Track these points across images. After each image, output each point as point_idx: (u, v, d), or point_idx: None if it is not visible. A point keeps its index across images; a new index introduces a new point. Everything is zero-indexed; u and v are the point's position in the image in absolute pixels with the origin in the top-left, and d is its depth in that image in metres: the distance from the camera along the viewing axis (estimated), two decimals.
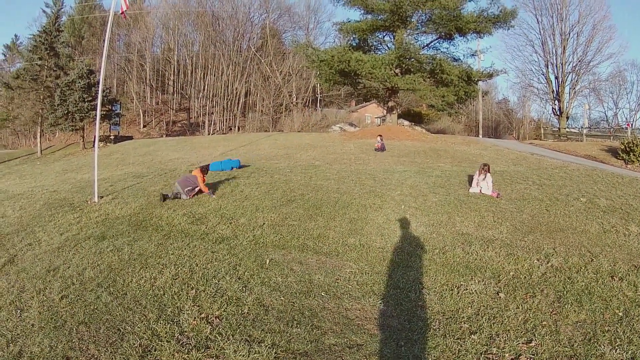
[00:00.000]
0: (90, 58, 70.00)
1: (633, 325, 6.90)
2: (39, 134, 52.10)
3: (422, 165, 22.52)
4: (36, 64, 48.79)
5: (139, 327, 6.79)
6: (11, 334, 6.72)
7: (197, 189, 16.07)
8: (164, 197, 15.52)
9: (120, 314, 7.21)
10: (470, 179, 17.39)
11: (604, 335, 6.59)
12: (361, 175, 19.13)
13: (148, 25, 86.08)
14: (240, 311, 7.32)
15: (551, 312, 7.34)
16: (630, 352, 6.19)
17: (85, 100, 44.97)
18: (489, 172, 16.30)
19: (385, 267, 9.54)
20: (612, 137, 51.44)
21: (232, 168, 21.34)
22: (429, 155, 26.03)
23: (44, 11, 67.17)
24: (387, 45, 41.85)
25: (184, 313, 7.21)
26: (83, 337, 6.58)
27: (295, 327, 6.87)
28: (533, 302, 7.69)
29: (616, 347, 6.28)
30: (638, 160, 27.95)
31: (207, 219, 13.09)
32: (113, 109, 50.92)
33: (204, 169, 16.99)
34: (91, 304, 7.58)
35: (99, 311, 7.32)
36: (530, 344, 6.41)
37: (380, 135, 29.53)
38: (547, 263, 9.55)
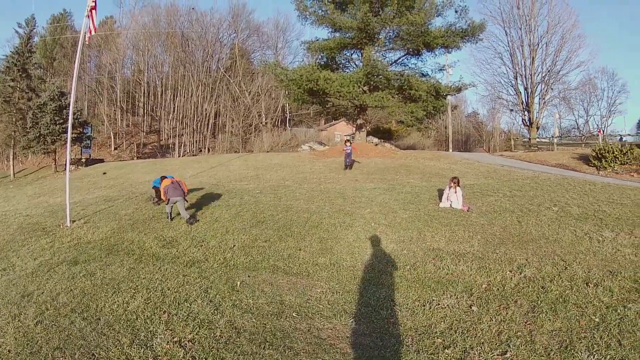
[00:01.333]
0: (62, 80, 69.34)
1: (610, 330, 6.93)
2: (11, 157, 51.22)
3: (391, 182, 22.45)
4: (9, 85, 48.19)
5: (113, 352, 6.85)
6: None
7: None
8: (172, 218, 16.00)
9: (94, 339, 7.30)
10: (440, 194, 17.40)
11: (581, 342, 6.64)
12: (331, 194, 19.10)
13: (118, 46, 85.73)
14: (212, 334, 7.37)
15: (526, 323, 7.32)
16: (608, 357, 6.22)
17: (57, 122, 44.26)
18: (458, 186, 16.25)
19: (356, 285, 9.56)
20: (583, 145, 51.83)
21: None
22: (399, 171, 25.98)
23: (16, 31, 66.31)
24: (355, 63, 41.71)
25: (157, 337, 7.23)
26: None
27: (268, 348, 6.89)
28: (507, 313, 7.68)
29: (594, 353, 6.31)
30: (610, 166, 28.18)
31: (178, 242, 13.14)
32: (84, 131, 50.29)
33: (164, 177, 17.63)
34: (66, 329, 7.63)
35: (73, 336, 7.36)
36: (506, 355, 6.42)
37: (349, 141, 29.10)
38: (520, 274, 9.56)
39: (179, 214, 15.92)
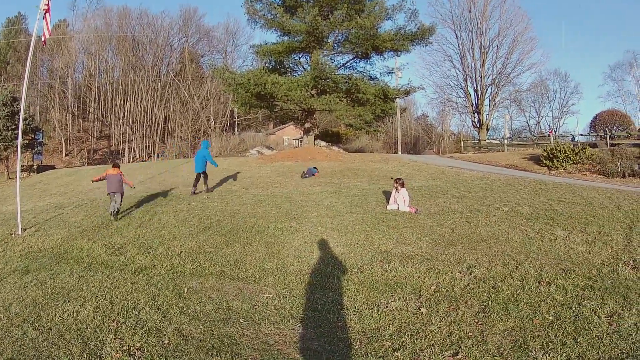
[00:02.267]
0: (15, 84, 68.35)
1: (565, 327, 6.90)
2: None
3: (339, 185, 22.55)
4: None
5: None
6: None
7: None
8: (115, 215, 16.69)
9: (46, 350, 7.05)
10: (388, 196, 17.35)
11: (535, 341, 6.57)
12: (277, 199, 19.11)
13: (71, 50, 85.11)
14: (161, 342, 7.20)
15: (477, 323, 7.27)
16: (564, 354, 6.15)
17: (9, 128, 43.15)
18: (403, 187, 16.28)
19: (303, 290, 9.49)
20: (534, 145, 52.84)
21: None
22: (346, 174, 26.08)
23: None
24: (304, 67, 41.85)
25: (106, 346, 7.05)
26: None
27: (215, 355, 6.74)
28: (457, 314, 7.61)
29: (549, 352, 6.24)
30: (562, 166, 28.63)
31: (126, 249, 13.01)
32: (36, 137, 49.01)
33: (117, 165, 18.74)
34: (18, 339, 7.43)
35: (26, 347, 7.18)
36: (457, 356, 6.33)
37: (315, 167, 28.67)
38: (470, 274, 9.54)
39: (117, 212, 16.79)
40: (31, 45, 16.39)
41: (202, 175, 22.20)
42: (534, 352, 6.19)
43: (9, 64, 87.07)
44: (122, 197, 17.53)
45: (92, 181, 19.43)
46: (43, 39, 16.24)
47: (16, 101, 45.05)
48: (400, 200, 16.05)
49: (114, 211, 16.81)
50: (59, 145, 78.66)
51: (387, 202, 16.80)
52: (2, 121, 43.01)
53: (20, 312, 8.51)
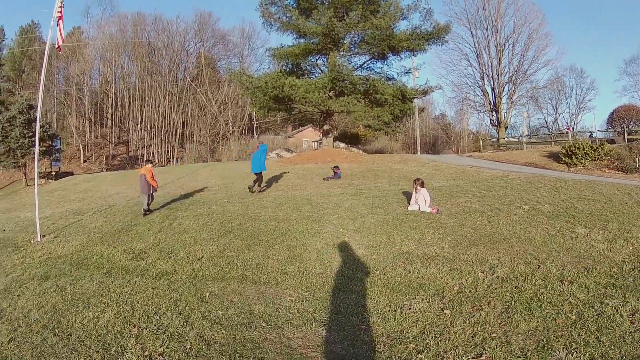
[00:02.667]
0: (31, 92, 68.48)
1: (588, 327, 6.86)
2: None
3: (359, 186, 22.51)
4: None
5: None
6: None
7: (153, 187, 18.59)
8: (146, 213, 17.92)
9: (66, 356, 7.05)
10: (409, 197, 17.33)
11: (558, 341, 6.54)
12: (298, 201, 19.04)
13: (86, 57, 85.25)
14: (182, 347, 7.17)
15: (500, 324, 7.23)
16: (587, 354, 6.12)
17: (26, 136, 43.33)
18: (423, 187, 16.25)
19: (325, 292, 9.44)
20: (552, 143, 52.48)
21: None
22: (366, 176, 26.07)
23: None
24: (321, 69, 42.08)
25: (127, 352, 7.03)
26: None
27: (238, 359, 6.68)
28: (480, 315, 7.58)
29: (572, 352, 6.21)
30: (581, 163, 28.53)
31: (147, 254, 12.94)
32: (53, 144, 49.09)
33: (149, 162, 20.33)
34: (38, 346, 7.44)
35: (45, 353, 7.18)
36: (481, 358, 6.31)
37: (337, 166, 28.69)
38: (493, 274, 9.48)
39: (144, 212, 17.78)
40: (46, 52, 16.49)
41: (257, 175, 23.00)
42: (558, 352, 6.16)
43: (24, 72, 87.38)
44: (148, 197, 18.35)
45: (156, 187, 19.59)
46: (57, 46, 16.29)
47: (32, 109, 45.15)
48: (421, 200, 16.01)
49: (144, 210, 18.03)
50: (77, 152, 78.86)
51: (408, 203, 16.74)
52: (19, 129, 43.21)
53: (39, 319, 8.55)
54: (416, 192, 16.23)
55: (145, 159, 76.07)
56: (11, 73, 78.23)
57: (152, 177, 18.84)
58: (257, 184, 23.20)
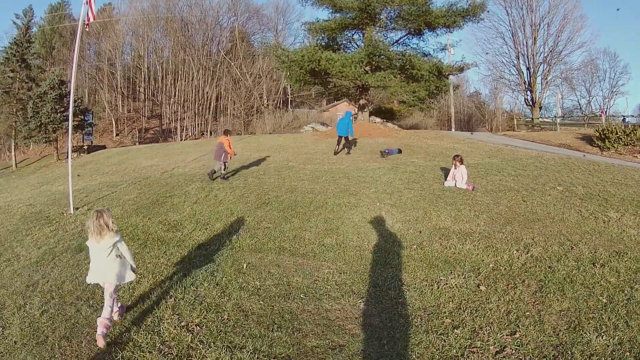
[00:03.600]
0: (61, 68, 68.86)
1: (617, 311, 6.91)
2: (13, 147, 51.21)
3: (395, 161, 22.41)
4: (8, 76, 47.77)
5: (120, 339, 6.73)
6: None
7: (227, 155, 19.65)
8: (212, 177, 19.44)
9: None
10: (445, 173, 17.41)
11: (589, 323, 6.62)
12: (335, 175, 19.12)
13: (117, 33, 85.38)
14: (220, 318, 7.29)
15: (534, 302, 7.33)
16: (616, 337, 6.20)
17: (58, 111, 44.20)
18: (462, 164, 16.27)
19: (363, 265, 9.51)
20: (586, 125, 51.86)
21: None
22: (403, 151, 25.89)
23: (14, 22, 65.93)
24: (357, 44, 41.69)
25: (164, 322, 7.14)
26: (65, 351, 6.51)
27: (276, 331, 6.83)
28: (515, 293, 7.68)
29: (602, 334, 6.27)
30: (614, 147, 28.17)
31: (183, 225, 13.01)
32: (85, 118, 50.05)
33: (227, 132, 21.26)
34: (71, 317, 7.54)
35: (79, 325, 7.27)
36: (515, 335, 6.40)
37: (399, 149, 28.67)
38: (527, 253, 9.54)
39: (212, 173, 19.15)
40: (79, 29, 16.50)
41: (343, 138, 26.15)
42: (588, 334, 6.26)
43: (55, 49, 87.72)
44: (221, 164, 19.39)
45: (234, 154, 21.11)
46: (87, 23, 16.46)
47: (64, 84, 45.87)
48: (459, 176, 16.12)
49: (210, 173, 19.56)
50: (109, 126, 79.18)
51: (445, 178, 16.84)
52: (50, 104, 43.88)
53: (73, 290, 8.68)
54: (455, 168, 16.30)
55: (178, 132, 76.44)
56: (41, 50, 78.53)
57: (230, 145, 19.74)
58: (344, 147, 26.40)
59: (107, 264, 7.09)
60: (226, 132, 21.25)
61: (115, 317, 7.35)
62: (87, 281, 7.31)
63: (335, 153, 25.94)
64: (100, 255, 7.13)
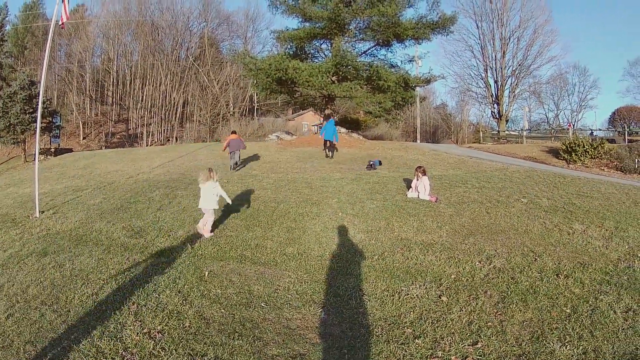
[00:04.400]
0: (32, 69, 68.70)
1: (582, 321, 7.00)
2: None
3: (359, 172, 22.58)
4: None
5: (83, 345, 6.68)
6: None
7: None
8: (234, 168, 23.92)
9: (65, 332, 7.14)
10: (408, 184, 17.48)
11: (553, 333, 6.71)
12: (298, 184, 19.21)
13: (89, 34, 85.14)
14: (181, 325, 7.32)
15: (496, 313, 7.38)
16: (581, 347, 6.26)
17: (27, 112, 43.31)
18: (424, 175, 16.30)
19: (324, 275, 9.56)
20: (553, 138, 52.76)
21: None
22: (366, 161, 25.81)
23: None
24: (325, 53, 41.96)
25: (126, 329, 7.16)
26: (30, 356, 6.50)
27: (237, 339, 6.85)
28: (477, 304, 7.72)
29: (566, 344, 6.35)
30: (580, 160, 28.67)
31: (146, 232, 13.05)
32: (53, 121, 48.98)
33: (235, 132, 25.79)
34: (36, 322, 7.51)
35: (44, 329, 7.25)
36: (477, 345, 6.44)
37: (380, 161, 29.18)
38: (490, 264, 9.61)
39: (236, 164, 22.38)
40: (51, 29, 16.40)
41: (329, 142, 28.95)
42: (552, 344, 6.30)
43: (27, 49, 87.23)
44: (238, 155, 24.30)
45: (222, 150, 25.85)
46: (61, 22, 16.26)
47: (34, 85, 45.26)
48: (422, 187, 16.10)
49: (233, 164, 23.83)
50: (77, 129, 78.78)
51: (408, 189, 16.85)
52: (19, 104, 43.15)
53: (38, 294, 8.61)
54: (417, 179, 16.32)
55: (144, 137, 76.10)
56: (14, 49, 77.95)
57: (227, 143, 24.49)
58: (330, 152, 29.11)
59: (208, 198, 12.67)
60: (234, 133, 25.40)
61: (207, 234, 12.41)
62: (198, 206, 12.97)
63: (327, 156, 28.58)
64: (205, 192, 12.71)
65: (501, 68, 69.63)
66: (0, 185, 27.31)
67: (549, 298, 7.80)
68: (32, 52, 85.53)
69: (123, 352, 6.43)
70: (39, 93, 38.44)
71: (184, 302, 8.11)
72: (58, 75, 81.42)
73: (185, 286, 8.84)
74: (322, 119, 44.65)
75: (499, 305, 7.62)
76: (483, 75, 73.06)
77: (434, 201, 15.55)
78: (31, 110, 43.10)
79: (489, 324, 6.98)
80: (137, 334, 6.91)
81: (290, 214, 14.37)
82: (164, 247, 11.58)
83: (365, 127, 66.29)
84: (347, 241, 11.76)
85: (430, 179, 16.53)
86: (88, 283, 9.08)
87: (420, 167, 16.70)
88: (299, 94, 42.34)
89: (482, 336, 6.61)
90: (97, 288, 8.74)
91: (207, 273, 9.59)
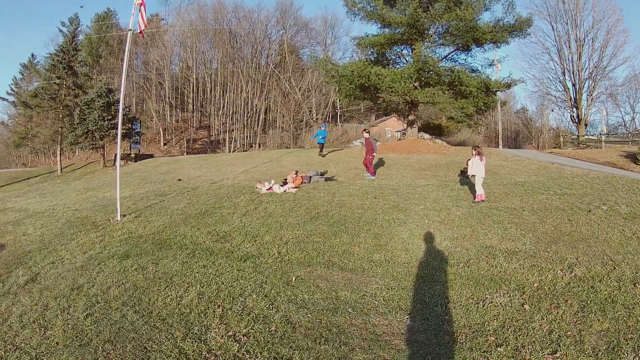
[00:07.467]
0: (108, 77, 69.91)
1: None
2: (59, 152, 52.10)
3: (444, 178, 22.56)
4: (54, 82, 48.93)
5: (165, 346, 6.90)
6: (35, 352, 6.84)
7: None
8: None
9: (146, 333, 7.34)
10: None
11: (628, 344, 6.59)
12: (384, 190, 19.18)
13: (166, 43, 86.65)
14: (267, 329, 7.42)
15: (575, 322, 7.34)
16: None
17: (105, 119, 44.87)
18: (479, 154, 16.97)
19: (410, 282, 9.56)
20: (630, 142, 51.12)
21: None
22: (451, 168, 26.01)
23: (60, 30, 67.34)
24: (406, 59, 41.87)
25: (211, 331, 7.32)
26: (109, 355, 6.69)
27: (323, 344, 6.94)
28: (557, 312, 7.70)
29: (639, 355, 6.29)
30: None
31: (232, 236, 13.15)
32: (133, 127, 50.69)
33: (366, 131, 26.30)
34: (117, 322, 7.72)
35: (125, 330, 7.45)
36: (556, 355, 6.44)
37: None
38: (571, 273, 9.53)
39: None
40: (128, 37, 17.01)
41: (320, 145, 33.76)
42: (626, 355, 6.31)
43: (102, 57, 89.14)
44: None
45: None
46: (140, 31, 16.85)
47: (111, 92, 46.82)
48: (477, 168, 16.84)
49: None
50: (157, 135, 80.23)
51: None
52: (97, 111, 44.67)
53: (119, 295, 8.83)
54: (473, 158, 17.02)
55: (226, 143, 76.93)
56: (88, 58, 79.87)
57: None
58: (321, 150, 34.14)
59: None
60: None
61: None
62: None
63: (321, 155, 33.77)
64: None
65: (578, 70, 67.31)
66: (79, 189, 28.10)
67: (625, 308, 7.71)
68: (108, 61, 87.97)
69: (207, 354, 6.66)
70: (117, 100, 39.85)
71: (271, 306, 8.23)
72: (136, 83, 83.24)
73: (272, 290, 8.97)
74: (405, 125, 44.48)
75: (579, 314, 7.61)
76: (561, 78, 70.74)
77: (480, 201, 16.46)
78: (109, 117, 44.77)
79: (568, 333, 7.01)
80: (222, 336, 7.09)
81: (377, 221, 14.37)
82: (250, 252, 11.70)
83: (448, 132, 65.18)
84: (433, 248, 11.79)
85: (482, 160, 17.22)
86: (172, 286, 9.29)
87: (476, 147, 17.30)
88: (382, 100, 42.57)
89: (561, 345, 6.65)
90: (182, 291, 8.95)
91: (294, 278, 9.69)
